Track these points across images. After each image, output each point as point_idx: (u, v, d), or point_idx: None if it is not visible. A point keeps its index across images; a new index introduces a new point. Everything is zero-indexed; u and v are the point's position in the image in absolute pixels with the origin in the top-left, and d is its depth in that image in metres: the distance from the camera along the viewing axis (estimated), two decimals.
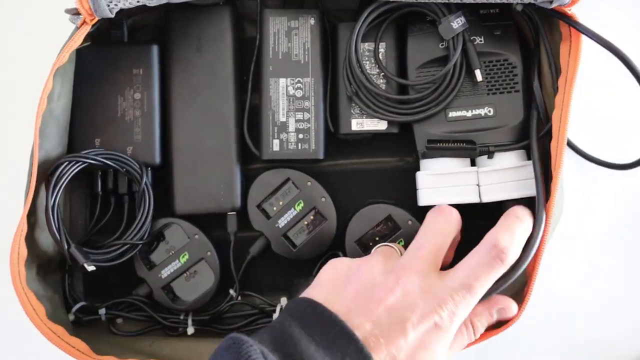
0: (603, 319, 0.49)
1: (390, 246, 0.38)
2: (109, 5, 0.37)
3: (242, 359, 0.28)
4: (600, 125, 0.49)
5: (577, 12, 0.39)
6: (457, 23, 0.41)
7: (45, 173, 0.41)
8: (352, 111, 0.43)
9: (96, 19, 0.38)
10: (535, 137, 0.40)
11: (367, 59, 0.43)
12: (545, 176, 0.40)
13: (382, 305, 0.32)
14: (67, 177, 0.40)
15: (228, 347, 0.29)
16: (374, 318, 0.32)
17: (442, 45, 0.42)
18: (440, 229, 0.37)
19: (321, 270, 0.36)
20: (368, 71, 0.43)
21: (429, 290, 0.33)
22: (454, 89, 0.41)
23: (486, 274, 0.34)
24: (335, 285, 0.34)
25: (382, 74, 0.43)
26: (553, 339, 0.49)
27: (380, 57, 0.43)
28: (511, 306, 0.37)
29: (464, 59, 0.41)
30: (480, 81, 0.41)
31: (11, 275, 0.38)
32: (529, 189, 0.41)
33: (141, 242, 0.42)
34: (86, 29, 0.39)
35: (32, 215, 0.41)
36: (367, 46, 0.43)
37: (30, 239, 0.40)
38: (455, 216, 0.38)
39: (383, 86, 0.43)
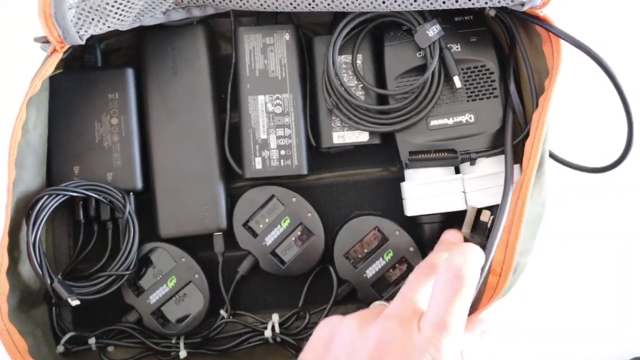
0: (592, 322, 0.49)
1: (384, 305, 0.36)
2: (78, 32, 0.37)
3: None
4: (573, 129, 0.49)
5: (552, 12, 0.39)
6: (433, 31, 0.41)
7: (25, 205, 0.40)
8: (332, 124, 0.43)
9: (67, 46, 0.37)
10: (510, 142, 0.40)
11: (344, 71, 0.43)
12: None
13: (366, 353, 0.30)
14: (48, 211, 0.40)
15: None
16: None
17: (419, 54, 0.42)
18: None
19: (314, 331, 0.34)
20: (347, 83, 0.43)
21: (409, 343, 0.31)
22: (434, 97, 0.41)
23: (453, 303, 0.31)
24: (318, 348, 0.33)
25: (361, 85, 0.43)
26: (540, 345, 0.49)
27: (359, 69, 0.43)
28: (491, 324, 0.36)
29: (442, 67, 0.41)
30: (459, 88, 0.41)
31: None
32: None
33: (127, 272, 0.41)
34: (58, 57, 0.38)
35: (14, 248, 0.40)
36: (344, 59, 0.43)
37: (14, 273, 0.40)
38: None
39: (362, 98, 0.43)
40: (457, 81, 0.41)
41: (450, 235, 0.40)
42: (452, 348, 0.31)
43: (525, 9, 0.38)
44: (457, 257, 0.32)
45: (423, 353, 0.30)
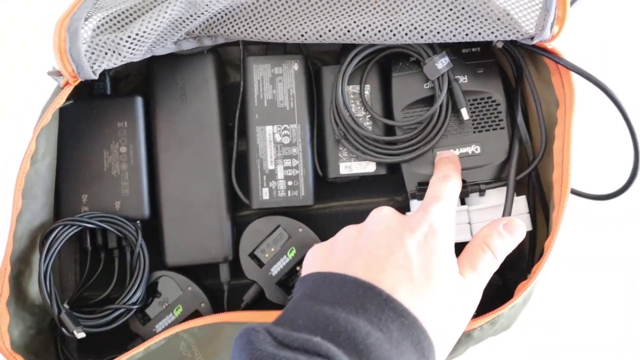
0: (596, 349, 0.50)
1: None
2: (92, 67, 0.37)
3: (242, 346, 0.26)
4: (579, 155, 0.49)
5: (561, 44, 0.40)
6: (442, 63, 0.41)
7: (32, 234, 0.40)
8: (339, 155, 0.43)
9: (79, 80, 0.38)
10: (513, 175, 0.41)
11: (352, 101, 0.43)
12: (544, 209, 0.41)
13: (364, 239, 0.32)
14: (61, 241, 0.40)
15: (235, 341, 0.27)
16: (368, 253, 0.31)
17: (426, 85, 0.43)
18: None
19: (305, 259, 0.35)
20: (355, 114, 0.43)
21: (403, 215, 0.34)
22: (441, 129, 0.42)
23: (443, 184, 0.36)
24: (322, 257, 0.33)
25: (369, 116, 0.43)
26: None
27: (366, 99, 0.43)
28: (515, 221, 0.36)
29: (450, 98, 0.42)
30: (467, 120, 0.42)
31: None
32: None
33: (135, 306, 0.41)
34: (69, 89, 0.38)
35: (19, 277, 0.40)
36: (352, 89, 0.43)
37: (19, 301, 0.40)
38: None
39: (370, 128, 0.43)
40: (465, 113, 0.42)
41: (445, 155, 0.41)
42: (442, 214, 0.34)
43: (534, 42, 0.39)
44: (446, 166, 0.39)
45: (414, 217, 0.33)
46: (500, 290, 0.41)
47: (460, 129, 0.42)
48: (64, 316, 0.39)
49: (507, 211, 0.40)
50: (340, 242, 0.33)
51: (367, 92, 0.43)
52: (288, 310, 0.29)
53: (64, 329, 0.39)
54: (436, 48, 0.42)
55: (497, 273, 0.42)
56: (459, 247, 0.41)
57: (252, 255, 0.43)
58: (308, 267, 0.34)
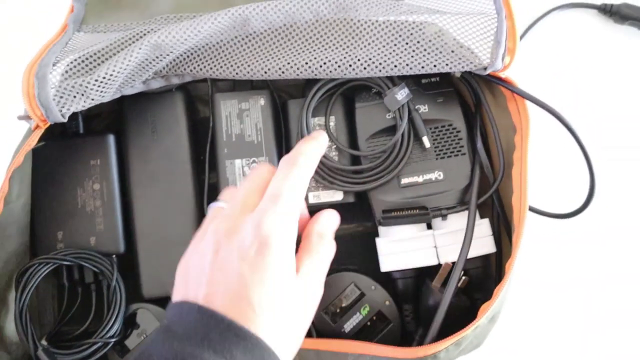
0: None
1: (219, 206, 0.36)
2: (61, 111, 0.38)
3: None
4: (539, 176, 0.51)
5: (514, 72, 0.41)
6: (402, 94, 0.43)
7: (6, 273, 0.41)
8: (308, 185, 0.45)
9: (49, 124, 0.39)
10: (475, 199, 0.42)
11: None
12: (507, 231, 0.42)
13: (206, 268, 0.32)
14: (37, 279, 0.41)
15: None
16: (207, 285, 0.31)
17: (388, 115, 0.44)
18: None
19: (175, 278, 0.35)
20: None
21: (238, 224, 0.32)
22: (404, 157, 0.43)
23: (287, 178, 0.33)
24: (181, 282, 0.33)
25: (335, 146, 0.45)
26: None
27: (332, 130, 0.45)
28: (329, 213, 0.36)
29: (411, 127, 0.43)
30: (429, 147, 0.43)
31: None
32: (484, 247, 0.43)
33: (113, 339, 0.42)
34: (40, 132, 0.39)
35: None
36: (317, 120, 0.45)
37: None
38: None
39: (336, 158, 0.45)
40: (427, 141, 0.43)
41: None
42: (277, 220, 0.32)
43: (487, 72, 0.40)
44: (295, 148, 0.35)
45: (249, 220, 0.32)
46: (469, 311, 0.42)
47: (424, 156, 0.44)
48: (40, 353, 0.40)
49: (468, 234, 0.41)
50: (192, 265, 0.33)
51: (332, 124, 0.45)
52: (147, 345, 0.30)
53: None
54: (396, 80, 0.43)
55: (465, 294, 0.44)
56: (431, 270, 0.43)
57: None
58: (174, 291, 0.34)
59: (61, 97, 0.38)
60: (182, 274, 0.34)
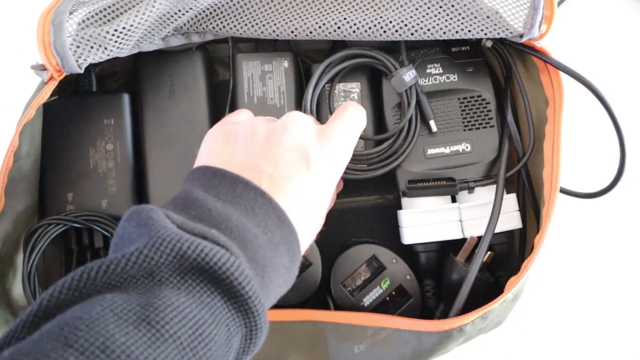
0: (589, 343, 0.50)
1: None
2: (77, 61, 0.36)
3: (142, 222, 0.25)
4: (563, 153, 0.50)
5: (549, 43, 0.40)
6: (409, 76, 0.41)
7: (16, 233, 0.39)
8: None
9: (64, 75, 0.37)
10: (503, 172, 0.41)
11: (343, 99, 0.43)
12: (534, 206, 0.41)
13: (274, 148, 0.32)
14: (46, 241, 0.39)
15: (129, 218, 0.27)
16: (274, 167, 0.31)
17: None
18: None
19: (202, 144, 0.35)
20: None
21: (318, 128, 0.34)
22: (412, 141, 0.42)
23: (355, 112, 0.36)
24: (224, 152, 0.33)
25: None
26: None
27: (356, 97, 0.43)
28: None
29: (418, 111, 0.42)
30: (435, 131, 0.42)
31: None
32: (511, 222, 0.42)
33: None
34: (54, 84, 0.37)
35: (3, 277, 0.39)
36: (342, 86, 0.43)
37: (6, 302, 0.39)
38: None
39: None
40: (433, 125, 0.42)
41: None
42: (349, 134, 0.35)
43: (523, 40, 0.39)
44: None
45: (326, 133, 0.33)
46: (492, 287, 0.41)
47: (451, 127, 0.42)
48: None
49: (496, 208, 0.40)
50: (245, 140, 0.33)
51: (357, 90, 0.43)
52: (180, 199, 0.29)
53: None
54: (405, 61, 0.42)
55: (488, 270, 0.42)
56: (454, 245, 0.42)
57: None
58: (205, 158, 0.33)
59: (78, 46, 0.36)
60: (225, 140, 0.33)
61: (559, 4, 0.55)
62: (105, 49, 0.37)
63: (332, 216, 0.45)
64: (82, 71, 0.37)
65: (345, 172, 0.41)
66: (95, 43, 0.36)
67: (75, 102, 0.43)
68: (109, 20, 0.38)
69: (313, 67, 0.44)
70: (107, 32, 0.36)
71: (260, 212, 0.29)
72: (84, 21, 0.37)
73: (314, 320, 0.40)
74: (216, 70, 0.46)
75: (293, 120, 0.33)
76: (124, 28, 0.37)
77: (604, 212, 0.51)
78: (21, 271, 0.39)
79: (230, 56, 0.44)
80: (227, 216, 0.27)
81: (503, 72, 0.44)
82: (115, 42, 0.37)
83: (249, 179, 0.29)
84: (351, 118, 0.36)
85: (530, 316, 0.49)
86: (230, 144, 0.33)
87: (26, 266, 0.38)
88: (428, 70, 0.43)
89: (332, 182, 0.33)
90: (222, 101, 0.44)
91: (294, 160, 0.31)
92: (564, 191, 0.46)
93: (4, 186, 0.37)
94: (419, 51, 0.43)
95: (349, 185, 0.45)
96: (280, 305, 0.43)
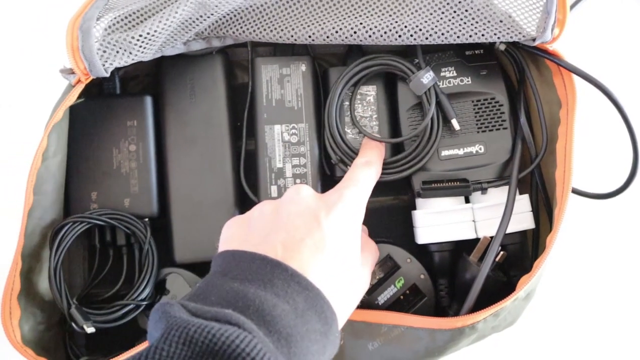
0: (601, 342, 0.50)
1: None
2: (104, 65, 0.38)
3: (159, 317, 0.26)
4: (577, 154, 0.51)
5: (562, 45, 0.41)
6: (427, 78, 0.42)
7: (42, 231, 0.41)
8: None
9: (91, 78, 0.38)
10: (516, 173, 0.42)
11: (359, 102, 0.44)
12: (547, 207, 0.41)
13: (284, 218, 0.33)
14: (71, 238, 0.41)
15: (152, 316, 0.27)
16: (286, 233, 0.32)
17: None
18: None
19: (221, 234, 0.36)
20: (361, 114, 0.44)
21: (321, 194, 0.36)
22: (435, 141, 0.42)
23: (361, 170, 0.38)
24: (239, 234, 0.34)
25: (376, 116, 0.44)
26: None
27: (372, 100, 0.44)
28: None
29: (439, 111, 0.43)
30: (458, 129, 0.43)
31: (5, 333, 0.38)
32: (524, 222, 0.42)
33: (145, 302, 0.42)
34: (81, 87, 0.39)
35: (30, 273, 0.41)
36: (359, 90, 0.44)
37: (29, 296, 0.40)
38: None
39: (377, 128, 0.44)
40: (456, 124, 0.42)
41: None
42: (356, 197, 0.35)
43: (535, 44, 0.40)
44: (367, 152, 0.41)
45: (331, 198, 0.34)
46: (505, 287, 0.42)
47: (465, 129, 0.43)
48: (73, 311, 0.40)
49: (509, 208, 0.41)
50: (256, 220, 0.34)
51: (372, 93, 0.44)
52: (200, 288, 0.30)
53: (73, 324, 0.40)
54: (422, 64, 0.43)
55: (502, 270, 0.43)
56: (467, 245, 0.42)
57: None
58: (224, 244, 0.34)
59: (104, 51, 0.38)
60: (238, 225, 0.34)
61: (571, 6, 0.55)
62: (130, 53, 0.38)
63: None
64: (108, 75, 0.38)
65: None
66: (120, 48, 0.38)
67: (100, 105, 0.44)
68: (133, 26, 0.39)
69: (330, 71, 0.45)
70: (133, 38, 0.38)
71: (278, 282, 0.29)
72: (110, 27, 0.38)
73: None
74: (235, 74, 0.47)
75: (297, 191, 0.35)
76: (148, 33, 0.38)
77: (616, 213, 0.51)
78: (47, 266, 0.41)
79: (249, 60, 0.45)
80: (243, 294, 0.28)
81: (516, 74, 0.45)
82: (140, 47, 0.38)
83: (264, 253, 0.30)
84: (356, 179, 0.37)
85: (543, 316, 0.50)
86: (244, 228, 0.34)
87: (53, 261, 0.40)
88: (442, 74, 0.43)
89: (349, 237, 0.33)
90: (240, 103, 0.46)
91: (304, 222, 0.32)
92: (576, 192, 0.46)
93: (33, 184, 0.39)
94: (433, 55, 0.44)
95: None
96: None
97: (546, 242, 0.39)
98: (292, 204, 0.34)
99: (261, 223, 0.33)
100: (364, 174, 0.38)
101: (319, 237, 0.32)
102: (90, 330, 0.39)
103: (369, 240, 0.39)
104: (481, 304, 0.39)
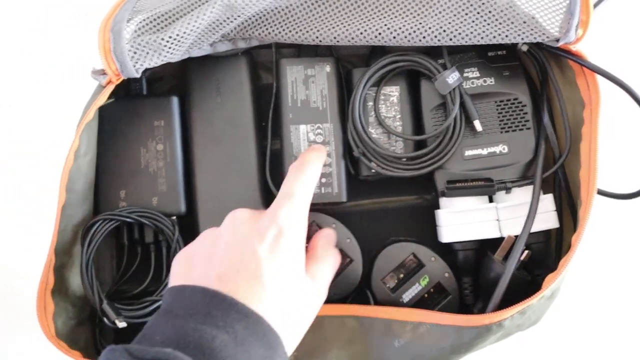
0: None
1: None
2: (135, 66, 0.38)
3: None
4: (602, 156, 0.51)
5: (585, 45, 0.41)
6: (452, 78, 0.42)
7: (73, 228, 0.42)
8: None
9: (122, 78, 0.39)
10: (540, 173, 0.42)
11: (382, 102, 0.45)
12: (571, 207, 0.42)
13: (220, 250, 0.33)
14: (102, 235, 0.42)
15: None
16: (220, 265, 0.32)
17: None
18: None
19: (171, 269, 0.36)
20: (384, 114, 0.44)
21: (256, 217, 0.35)
22: (457, 141, 0.43)
23: (297, 179, 0.37)
24: (184, 269, 0.34)
25: (399, 116, 0.45)
26: None
27: (396, 100, 0.45)
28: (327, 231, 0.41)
29: (463, 111, 0.43)
30: (480, 130, 0.43)
31: (41, 327, 0.39)
32: (548, 222, 0.42)
33: None
34: (111, 88, 0.40)
35: (61, 269, 0.41)
36: (382, 90, 0.45)
37: (60, 292, 0.41)
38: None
39: (401, 129, 0.44)
40: (478, 125, 0.43)
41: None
42: (292, 214, 0.35)
43: (559, 45, 0.40)
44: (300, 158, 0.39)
45: (264, 221, 0.34)
46: (529, 285, 0.42)
47: (488, 130, 0.44)
48: (105, 306, 0.40)
49: (533, 207, 0.41)
50: (198, 254, 0.35)
51: (396, 93, 0.45)
52: (147, 328, 0.31)
53: (105, 319, 0.40)
54: (447, 64, 0.43)
55: (526, 269, 0.43)
56: (491, 244, 0.43)
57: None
58: (172, 280, 0.35)
59: (135, 52, 0.38)
60: (184, 260, 0.35)
61: (595, 5, 0.55)
62: (160, 54, 0.39)
63: (372, 215, 0.47)
64: (139, 75, 0.39)
65: (391, 170, 0.43)
66: (150, 49, 0.39)
67: (128, 105, 0.45)
68: (162, 28, 0.40)
69: (354, 72, 0.45)
70: (162, 39, 0.39)
71: (217, 313, 0.30)
72: (139, 29, 0.39)
73: (355, 315, 0.41)
74: (259, 74, 0.48)
75: (232, 218, 0.36)
76: (178, 35, 0.39)
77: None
78: (77, 263, 0.42)
79: (274, 61, 0.46)
80: (183, 330, 0.29)
81: (538, 75, 0.45)
82: (170, 48, 0.39)
83: (204, 286, 0.31)
84: (290, 193, 0.36)
85: (565, 315, 0.50)
86: (188, 262, 0.35)
87: (84, 258, 0.41)
88: (465, 74, 0.44)
89: (287, 258, 0.34)
90: (264, 104, 0.46)
91: (238, 254, 0.33)
92: (600, 192, 0.47)
93: (66, 182, 0.40)
94: (455, 55, 0.45)
95: (390, 185, 0.47)
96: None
97: (571, 242, 0.39)
98: (228, 234, 0.35)
99: (201, 257, 0.34)
100: (298, 183, 0.37)
101: (253, 267, 0.32)
102: (122, 325, 0.40)
103: (326, 249, 0.39)
104: (505, 302, 0.40)
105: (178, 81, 0.48)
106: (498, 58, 0.44)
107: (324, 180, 0.44)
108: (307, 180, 0.37)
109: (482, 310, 0.42)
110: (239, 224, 0.35)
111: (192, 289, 0.31)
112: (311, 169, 0.38)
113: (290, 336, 0.33)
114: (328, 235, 0.41)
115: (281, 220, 0.34)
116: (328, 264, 0.38)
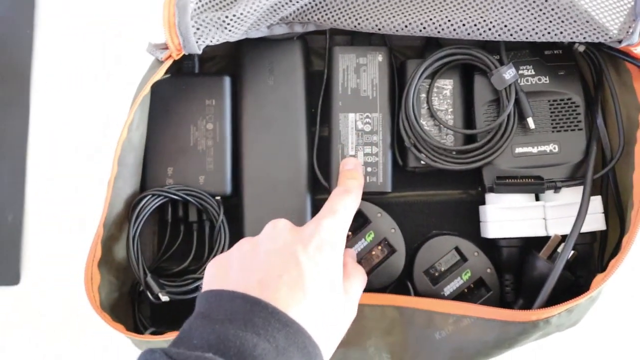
0: None
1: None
2: (197, 42, 0.39)
3: None
4: None
5: None
6: (509, 74, 0.42)
7: (122, 201, 0.42)
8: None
9: (182, 54, 0.39)
10: (590, 175, 0.42)
11: (435, 95, 0.45)
12: (618, 209, 0.42)
13: (260, 255, 0.33)
14: (149, 210, 0.42)
15: None
16: (261, 270, 0.32)
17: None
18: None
19: (205, 274, 0.36)
20: (437, 107, 0.44)
21: (297, 227, 0.36)
22: (509, 136, 0.42)
23: (340, 200, 0.38)
24: (220, 274, 0.34)
25: (451, 109, 0.44)
26: None
27: (449, 94, 0.45)
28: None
29: (516, 108, 0.43)
30: (533, 128, 0.43)
31: (88, 297, 0.39)
32: (595, 223, 0.42)
33: None
34: (169, 63, 0.40)
35: (108, 241, 0.42)
36: (436, 83, 0.45)
37: (106, 264, 0.41)
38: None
39: (452, 122, 0.44)
40: (531, 122, 0.43)
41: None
42: (334, 228, 0.36)
43: (621, 46, 0.40)
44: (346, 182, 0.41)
45: (307, 230, 0.35)
46: (571, 286, 0.42)
47: (540, 128, 0.43)
48: (149, 280, 0.41)
49: (583, 208, 0.41)
50: (236, 259, 0.34)
51: (449, 87, 0.45)
52: (184, 331, 0.30)
53: (148, 292, 0.41)
54: (504, 59, 0.43)
55: (568, 270, 0.43)
56: (534, 242, 0.43)
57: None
58: (206, 284, 0.35)
59: (198, 28, 0.38)
60: (220, 265, 0.35)
61: None
62: (222, 32, 0.39)
63: (416, 207, 0.47)
64: (200, 52, 0.39)
65: (440, 162, 0.43)
66: (214, 26, 0.39)
67: (181, 82, 0.45)
68: (225, 6, 0.40)
69: (408, 63, 0.45)
70: (226, 17, 0.39)
71: (258, 320, 0.29)
72: (203, 5, 0.39)
73: (396, 305, 0.41)
74: (311, 60, 0.48)
75: (274, 226, 0.36)
76: (241, 14, 0.39)
77: None
78: (124, 236, 0.42)
79: (327, 48, 0.46)
80: (224, 335, 0.29)
81: (593, 76, 0.45)
82: (232, 27, 0.39)
83: (243, 292, 0.31)
84: (334, 209, 0.37)
85: (605, 317, 0.50)
86: (225, 267, 0.34)
87: (132, 231, 0.41)
88: (520, 72, 0.44)
89: (328, 269, 0.34)
90: (315, 90, 0.46)
91: (281, 260, 0.33)
92: None
93: (118, 155, 0.40)
94: (509, 52, 0.44)
95: (435, 178, 0.47)
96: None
97: (622, 244, 0.39)
98: (269, 241, 0.34)
99: (240, 262, 0.34)
100: (342, 203, 0.38)
101: (296, 274, 0.32)
102: (165, 298, 0.40)
103: (357, 267, 0.39)
104: (548, 301, 0.39)
105: (228, 62, 0.48)
106: (554, 57, 0.44)
107: (369, 169, 0.44)
108: (349, 204, 0.38)
109: (523, 308, 0.42)
110: (280, 231, 0.35)
111: (231, 294, 0.31)
112: (354, 194, 0.39)
113: (327, 348, 0.33)
114: (353, 254, 0.42)
115: (324, 232, 0.35)
116: (359, 280, 0.38)
